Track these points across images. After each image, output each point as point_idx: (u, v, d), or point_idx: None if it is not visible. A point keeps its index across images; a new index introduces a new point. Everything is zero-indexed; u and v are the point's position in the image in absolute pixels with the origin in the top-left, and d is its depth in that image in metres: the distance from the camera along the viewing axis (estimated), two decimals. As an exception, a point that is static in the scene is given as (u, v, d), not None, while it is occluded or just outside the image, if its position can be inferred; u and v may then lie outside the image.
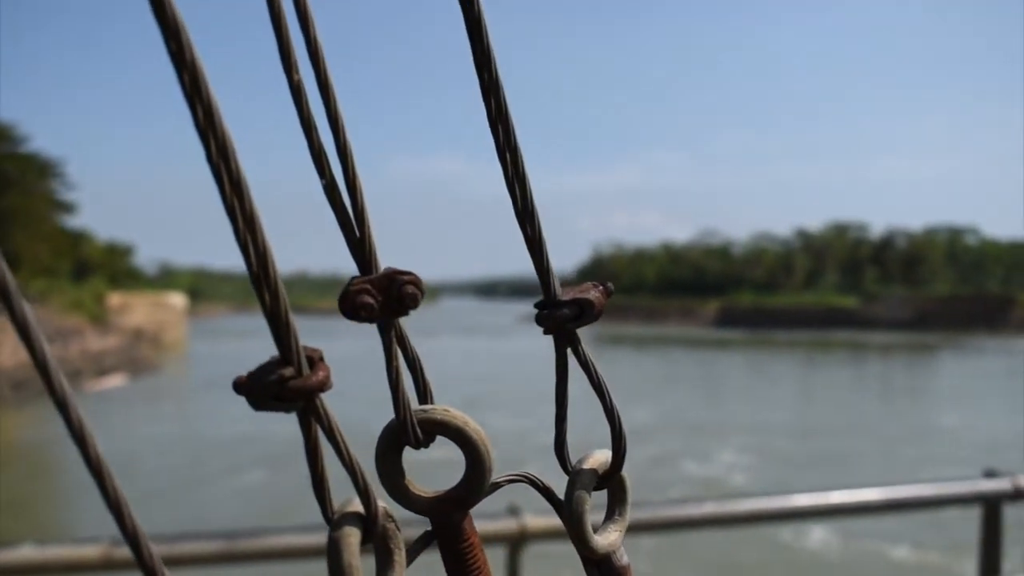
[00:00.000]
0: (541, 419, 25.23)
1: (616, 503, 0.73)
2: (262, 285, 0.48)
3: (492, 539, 2.72)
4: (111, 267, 71.73)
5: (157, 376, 42.99)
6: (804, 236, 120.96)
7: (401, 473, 0.61)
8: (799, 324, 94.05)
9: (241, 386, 0.49)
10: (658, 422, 26.71)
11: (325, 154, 0.54)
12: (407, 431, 0.58)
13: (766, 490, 17.48)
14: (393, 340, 0.57)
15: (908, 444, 22.92)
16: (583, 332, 0.67)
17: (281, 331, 0.48)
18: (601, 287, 0.65)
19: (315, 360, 0.49)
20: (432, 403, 0.61)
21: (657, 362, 54.90)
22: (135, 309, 57.96)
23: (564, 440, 0.70)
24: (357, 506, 0.55)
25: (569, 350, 0.66)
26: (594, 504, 0.69)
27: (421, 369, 0.61)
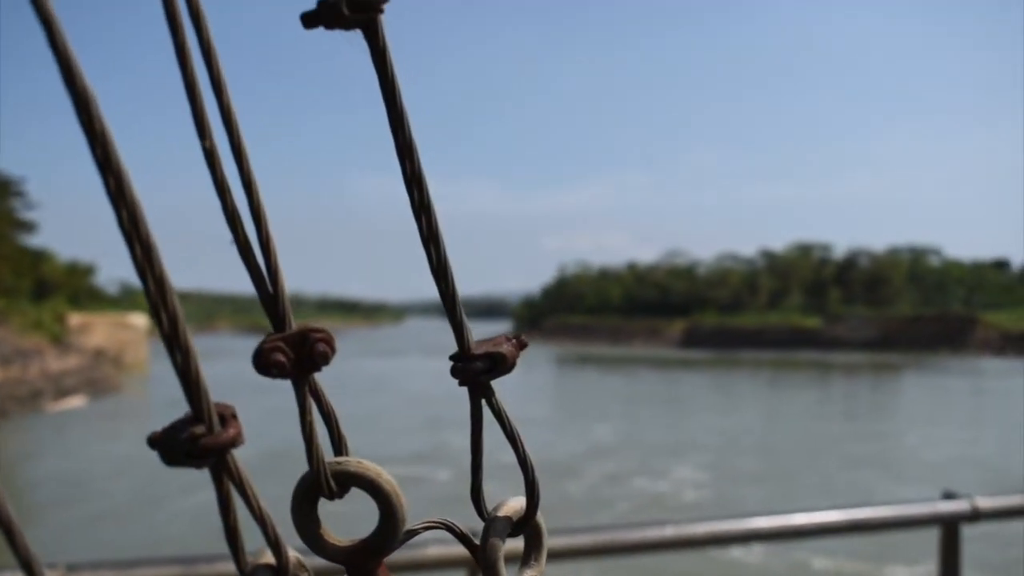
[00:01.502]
0: (497, 438, 25.15)
1: (532, 549, 0.74)
2: (173, 345, 0.49)
3: (453, 564, 2.72)
4: (72, 287, 71.05)
5: (118, 397, 42.53)
6: (769, 256, 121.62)
7: (316, 523, 0.63)
8: (764, 344, 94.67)
9: (155, 442, 0.50)
10: (619, 441, 26.85)
11: (239, 215, 0.55)
12: (321, 483, 0.60)
13: (715, 504, 17.77)
14: (307, 395, 0.59)
15: (870, 462, 23.10)
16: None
17: (192, 389, 0.49)
18: (514, 340, 0.67)
19: (227, 417, 0.51)
20: (347, 455, 0.63)
21: (622, 382, 55.01)
22: (96, 329, 57.33)
23: (480, 487, 0.71)
24: (269, 557, 0.56)
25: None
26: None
27: (336, 422, 0.62)
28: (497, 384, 0.70)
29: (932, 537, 3.22)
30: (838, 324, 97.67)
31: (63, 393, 39.68)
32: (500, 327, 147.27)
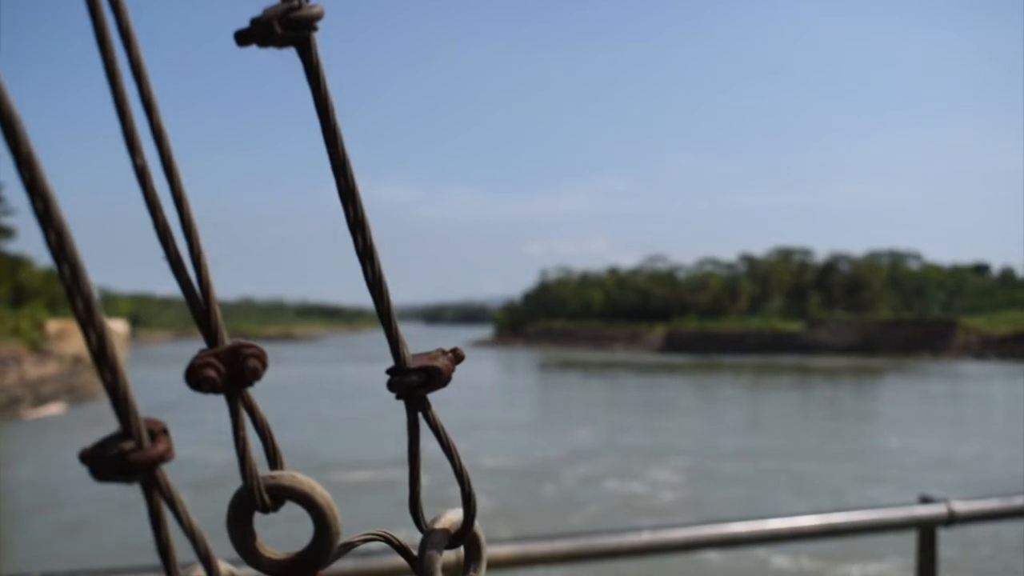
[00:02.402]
0: (477, 442, 25.38)
1: (471, 560, 0.75)
2: (102, 362, 0.49)
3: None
4: (50, 293, 70.47)
5: (97, 403, 42.24)
6: (749, 261, 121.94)
7: (252, 536, 0.63)
8: (745, 349, 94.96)
9: (85, 458, 0.51)
10: (599, 444, 26.91)
11: (170, 231, 0.56)
12: (254, 497, 0.60)
13: (693, 505, 17.85)
14: (240, 409, 0.59)
15: (850, 465, 23.20)
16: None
17: (121, 405, 0.50)
18: (450, 353, 0.68)
19: (157, 433, 0.51)
20: (282, 468, 0.63)
21: (604, 386, 55.08)
22: (75, 336, 56.75)
23: (418, 499, 0.72)
24: (201, 572, 0.56)
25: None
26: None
27: (270, 435, 0.63)
28: (434, 397, 0.70)
29: (910, 536, 3.23)
30: (819, 328, 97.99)
31: (42, 400, 39.46)
32: (482, 332, 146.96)
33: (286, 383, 50.64)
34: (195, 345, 0.57)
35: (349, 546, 0.66)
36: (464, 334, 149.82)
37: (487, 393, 45.89)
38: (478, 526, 0.74)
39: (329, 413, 34.22)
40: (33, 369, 42.59)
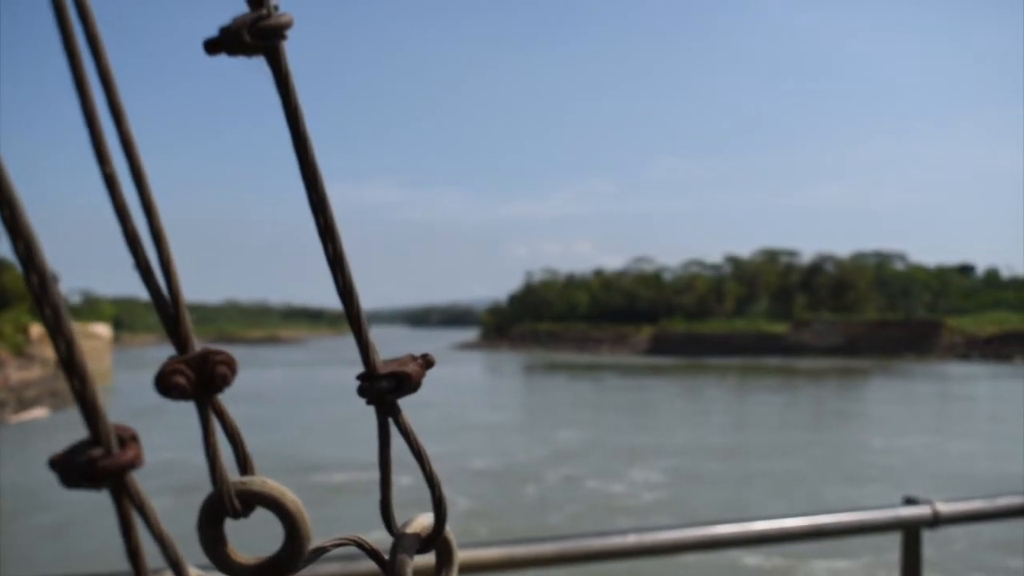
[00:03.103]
0: (462, 444, 25.37)
1: (442, 564, 0.76)
2: (71, 369, 0.50)
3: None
4: (34, 297, 69.92)
5: (81, 408, 41.97)
6: (735, 263, 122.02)
7: (222, 542, 0.63)
8: (730, 350, 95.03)
9: (54, 464, 0.51)
10: (582, 446, 26.94)
11: (139, 238, 0.56)
12: (224, 502, 0.60)
13: (677, 505, 17.89)
14: (211, 415, 0.59)
15: (835, 466, 23.28)
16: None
17: (90, 413, 0.50)
18: (420, 359, 0.68)
19: (126, 439, 0.51)
20: (253, 474, 0.63)
21: (590, 389, 55.09)
22: (59, 340, 56.27)
23: (389, 503, 0.72)
24: None
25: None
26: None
27: (241, 441, 0.63)
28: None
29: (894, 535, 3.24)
30: (804, 330, 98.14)
31: (25, 405, 39.25)
32: (467, 335, 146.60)
33: (272, 386, 50.50)
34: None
35: (320, 551, 0.66)
36: (449, 337, 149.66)
37: (472, 395, 45.89)
38: (449, 530, 0.74)
39: (313, 415, 34.14)
40: (16, 373, 42.39)
